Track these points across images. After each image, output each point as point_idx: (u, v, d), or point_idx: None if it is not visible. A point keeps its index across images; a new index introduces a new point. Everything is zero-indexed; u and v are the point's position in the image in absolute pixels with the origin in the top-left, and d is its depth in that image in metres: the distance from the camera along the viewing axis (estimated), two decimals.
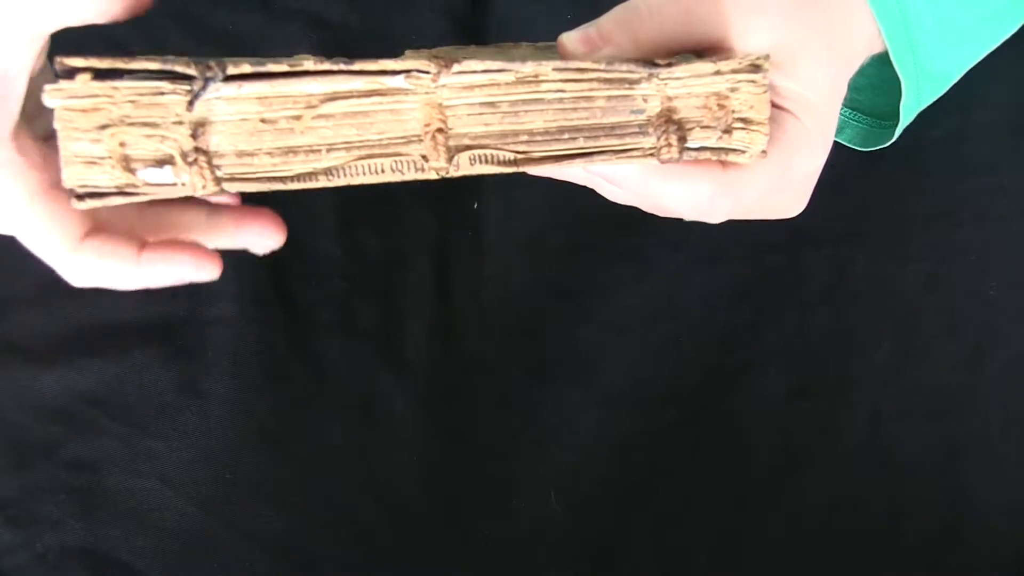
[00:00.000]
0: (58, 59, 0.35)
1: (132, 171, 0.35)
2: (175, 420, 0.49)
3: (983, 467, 0.48)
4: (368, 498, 0.48)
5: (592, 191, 0.43)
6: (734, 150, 0.38)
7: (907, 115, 0.43)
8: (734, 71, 0.37)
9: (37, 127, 0.38)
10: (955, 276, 0.50)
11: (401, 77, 0.36)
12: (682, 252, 0.53)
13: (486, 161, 0.38)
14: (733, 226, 0.53)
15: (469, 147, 0.38)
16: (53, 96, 0.34)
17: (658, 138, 0.38)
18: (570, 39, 0.39)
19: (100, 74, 0.35)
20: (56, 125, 0.35)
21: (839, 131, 0.48)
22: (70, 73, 0.35)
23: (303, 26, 0.52)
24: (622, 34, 0.38)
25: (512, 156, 0.38)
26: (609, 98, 0.37)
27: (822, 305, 0.51)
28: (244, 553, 0.48)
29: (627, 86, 0.37)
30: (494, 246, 0.52)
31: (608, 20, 0.39)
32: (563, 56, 0.40)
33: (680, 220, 0.53)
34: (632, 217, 0.51)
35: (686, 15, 0.38)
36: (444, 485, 0.49)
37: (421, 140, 0.37)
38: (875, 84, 0.46)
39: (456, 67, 0.36)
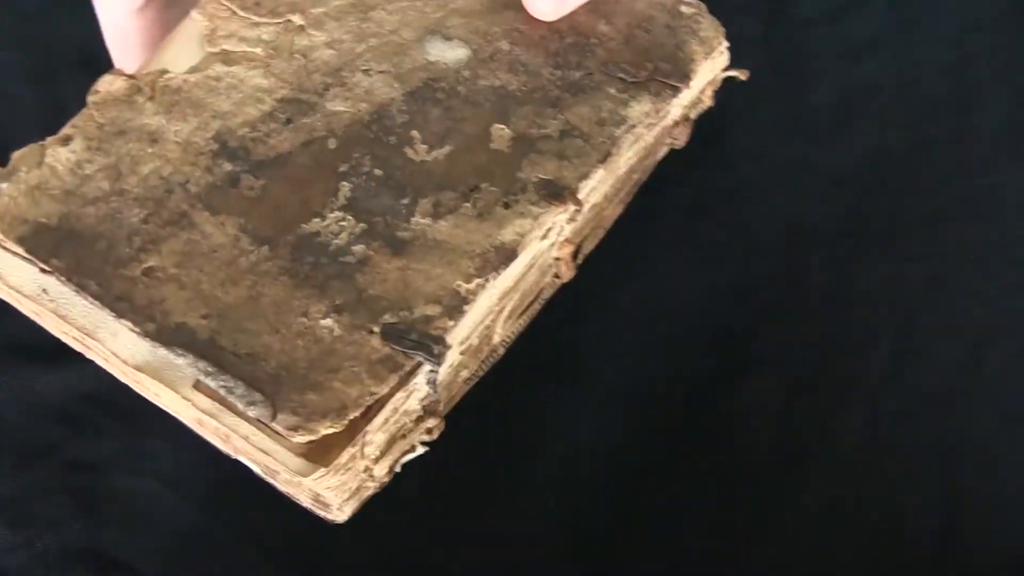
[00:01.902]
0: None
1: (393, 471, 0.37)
2: (175, 420, 0.49)
3: (983, 467, 0.48)
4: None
5: None
6: None
7: None
8: None
9: None
10: (955, 276, 0.50)
11: (547, 243, 0.38)
12: (682, 252, 0.53)
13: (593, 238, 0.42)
14: (733, 226, 0.53)
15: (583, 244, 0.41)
16: (318, 481, 0.33)
17: None
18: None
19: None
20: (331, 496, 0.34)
21: None
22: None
23: None
24: None
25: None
26: None
27: (822, 305, 0.51)
28: (244, 553, 0.48)
29: None
30: None
31: None
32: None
33: (680, 220, 0.53)
34: (632, 217, 0.51)
35: None
36: (443, 485, 0.49)
37: (554, 267, 0.40)
38: None
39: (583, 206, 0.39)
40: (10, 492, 0.48)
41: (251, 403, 0.32)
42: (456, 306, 0.35)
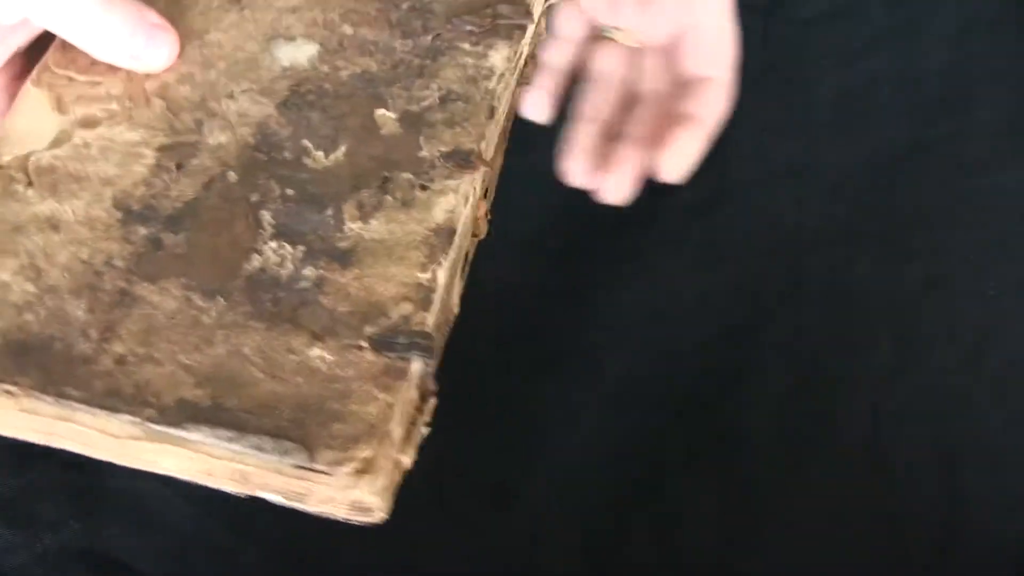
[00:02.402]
0: None
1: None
2: None
3: (983, 467, 0.48)
4: None
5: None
6: None
7: None
8: None
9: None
10: (955, 276, 0.50)
11: (470, 208, 0.38)
12: (682, 252, 0.53)
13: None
14: (733, 226, 0.53)
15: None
16: (367, 489, 0.32)
17: None
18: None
19: None
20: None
21: None
22: None
23: None
24: None
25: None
26: None
27: (822, 305, 0.51)
28: (244, 553, 0.48)
29: None
30: (493, 246, 0.51)
31: None
32: None
33: (679, 220, 0.53)
34: (632, 217, 0.51)
35: None
36: (443, 485, 0.49)
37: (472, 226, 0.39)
38: None
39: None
40: (10, 492, 0.48)
41: (285, 452, 0.32)
42: (425, 297, 0.36)
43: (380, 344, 0.34)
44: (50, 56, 0.40)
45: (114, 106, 0.39)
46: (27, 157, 0.37)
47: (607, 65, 0.51)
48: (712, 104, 0.49)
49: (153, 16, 0.39)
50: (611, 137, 0.49)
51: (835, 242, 0.51)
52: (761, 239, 0.52)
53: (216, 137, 0.39)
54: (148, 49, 0.38)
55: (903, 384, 0.49)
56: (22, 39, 0.39)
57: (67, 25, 0.37)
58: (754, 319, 0.51)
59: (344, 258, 0.37)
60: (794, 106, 0.55)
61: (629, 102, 0.50)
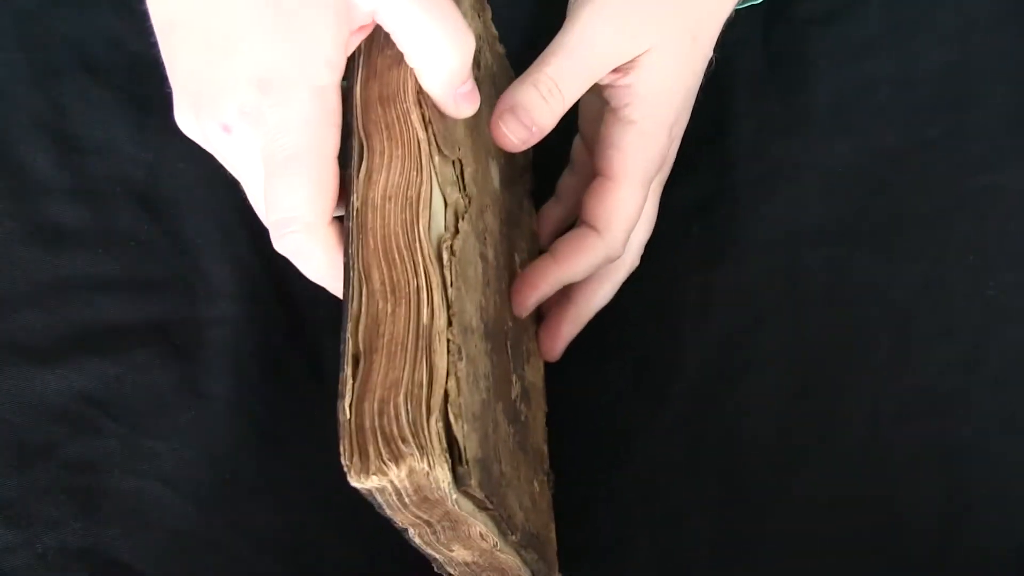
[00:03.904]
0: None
1: None
2: (175, 420, 0.49)
3: (983, 467, 0.48)
4: None
5: (592, 194, 0.44)
6: None
7: None
8: None
9: None
10: (953, 276, 0.50)
11: None
12: (682, 252, 0.53)
13: None
14: (733, 226, 0.53)
15: None
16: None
17: None
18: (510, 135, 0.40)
19: None
20: None
21: None
22: None
23: None
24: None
25: None
26: None
27: (821, 305, 0.51)
28: (244, 553, 0.48)
29: None
30: None
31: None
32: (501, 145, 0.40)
33: (680, 220, 0.54)
34: None
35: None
36: None
37: None
38: None
39: None
40: (10, 492, 0.48)
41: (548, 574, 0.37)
42: (546, 436, 0.41)
43: (551, 480, 0.40)
44: (422, 98, 0.36)
45: (459, 196, 0.36)
46: (451, 247, 0.35)
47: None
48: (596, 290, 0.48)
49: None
50: None
51: (834, 242, 0.51)
52: (761, 239, 0.52)
53: (489, 253, 0.39)
54: (471, 96, 0.37)
55: (903, 384, 0.49)
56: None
57: (423, 40, 0.35)
58: (754, 319, 0.51)
59: (528, 397, 0.40)
60: (794, 106, 0.55)
61: None
